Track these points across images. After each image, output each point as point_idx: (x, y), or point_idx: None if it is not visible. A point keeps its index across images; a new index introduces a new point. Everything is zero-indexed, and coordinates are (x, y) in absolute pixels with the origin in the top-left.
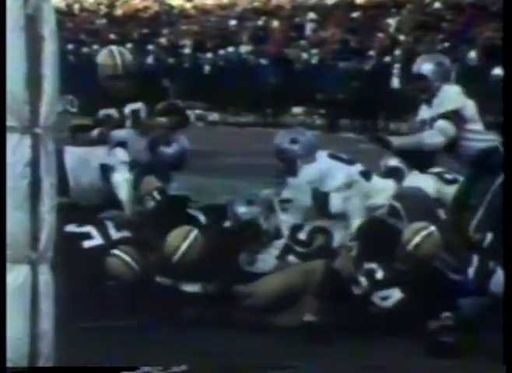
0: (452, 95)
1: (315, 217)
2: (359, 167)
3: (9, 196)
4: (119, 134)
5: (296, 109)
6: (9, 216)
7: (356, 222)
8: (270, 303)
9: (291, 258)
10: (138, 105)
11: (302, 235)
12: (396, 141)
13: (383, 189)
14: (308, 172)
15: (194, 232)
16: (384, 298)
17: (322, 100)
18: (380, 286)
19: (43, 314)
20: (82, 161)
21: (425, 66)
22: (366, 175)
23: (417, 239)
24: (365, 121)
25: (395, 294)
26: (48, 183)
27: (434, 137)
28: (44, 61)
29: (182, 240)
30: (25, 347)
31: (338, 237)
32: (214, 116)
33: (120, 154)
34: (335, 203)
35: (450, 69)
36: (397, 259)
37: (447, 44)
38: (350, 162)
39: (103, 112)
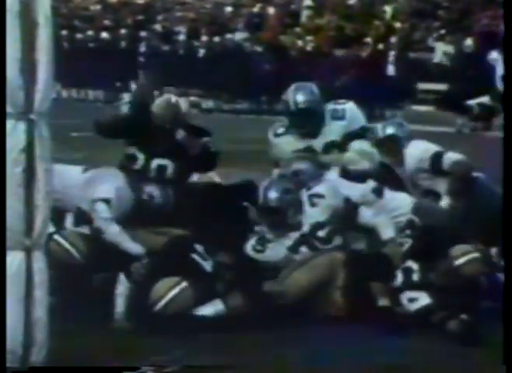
0: (356, 112)
1: (340, 221)
2: (371, 184)
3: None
4: (106, 189)
5: None
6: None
7: (386, 233)
8: (300, 301)
9: (303, 250)
10: (166, 162)
11: (321, 233)
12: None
13: (398, 207)
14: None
15: (183, 284)
16: (412, 300)
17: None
18: (412, 287)
19: (38, 301)
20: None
21: (299, 98)
22: (378, 192)
23: (463, 260)
24: (362, 109)
25: (423, 299)
26: (43, 169)
27: (359, 163)
28: (39, 47)
29: (168, 290)
30: (19, 334)
31: (360, 244)
32: (208, 104)
33: (104, 210)
34: (365, 216)
35: (321, 99)
36: (438, 270)
37: (443, 31)
38: (362, 180)
39: (131, 150)
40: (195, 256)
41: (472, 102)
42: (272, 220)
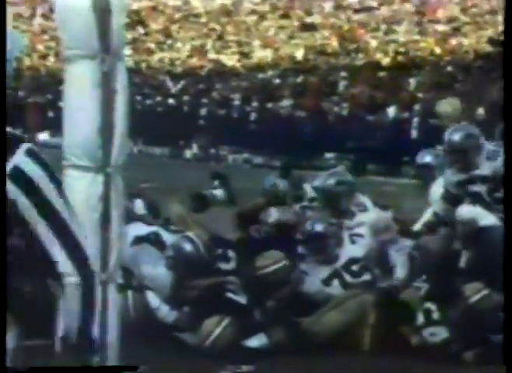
0: None
1: (372, 259)
2: (390, 213)
3: (84, 225)
4: (150, 275)
5: (328, 155)
6: (84, 242)
7: (400, 272)
8: (333, 339)
9: (335, 283)
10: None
11: (355, 267)
12: None
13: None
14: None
15: (226, 320)
16: (432, 335)
17: (351, 147)
18: (432, 324)
19: (111, 326)
20: None
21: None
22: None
23: (476, 297)
24: (390, 166)
25: (442, 333)
26: (117, 215)
27: None
28: (116, 111)
29: (215, 327)
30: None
31: (384, 281)
32: (258, 160)
33: (152, 299)
34: (393, 259)
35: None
36: (455, 309)
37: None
38: (385, 208)
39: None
40: (229, 295)
41: None
42: (316, 246)
